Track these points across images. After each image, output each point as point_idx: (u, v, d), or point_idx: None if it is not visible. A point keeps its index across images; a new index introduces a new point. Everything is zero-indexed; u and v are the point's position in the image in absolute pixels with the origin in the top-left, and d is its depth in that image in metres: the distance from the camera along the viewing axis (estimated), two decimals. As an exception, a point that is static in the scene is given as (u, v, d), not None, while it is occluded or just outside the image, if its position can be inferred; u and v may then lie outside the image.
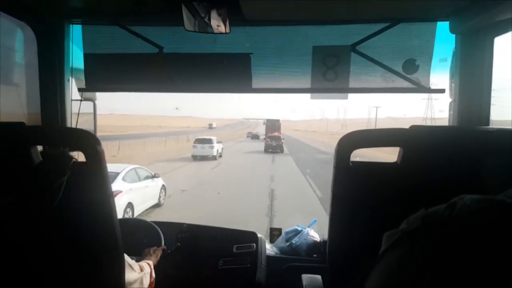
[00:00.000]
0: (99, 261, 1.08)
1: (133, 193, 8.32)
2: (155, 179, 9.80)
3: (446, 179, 0.84)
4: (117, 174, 8.18)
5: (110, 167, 6.30)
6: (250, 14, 1.50)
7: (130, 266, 1.34)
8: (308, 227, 2.06)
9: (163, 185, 10.16)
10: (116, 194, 7.49)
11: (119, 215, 6.06)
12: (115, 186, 7.57)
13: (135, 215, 8.21)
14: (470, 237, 0.41)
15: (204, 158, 21.08)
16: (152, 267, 1.53)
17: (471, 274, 0.39)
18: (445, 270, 0.41)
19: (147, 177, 9.49)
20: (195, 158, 21.12)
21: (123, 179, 8.37)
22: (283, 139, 30.19)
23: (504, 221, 0.39)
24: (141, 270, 1.42)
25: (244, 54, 1.71)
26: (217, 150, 22.13)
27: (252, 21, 1.60)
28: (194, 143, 21.93)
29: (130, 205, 8.19)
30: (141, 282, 1.41)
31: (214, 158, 21.28)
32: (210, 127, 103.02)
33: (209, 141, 21.82)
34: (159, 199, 9.87)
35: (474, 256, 0.40)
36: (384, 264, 0.48)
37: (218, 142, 22.99)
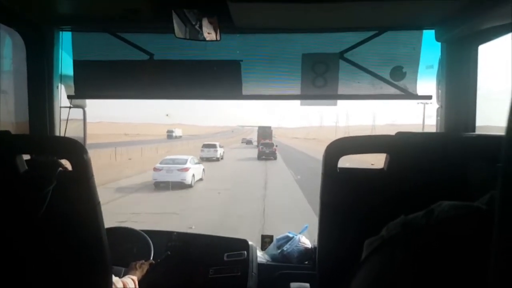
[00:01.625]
0: (85, 271, 1.06)
1: (193, 170, 16.58)
2: (200, 164, 18.23)
3: (432, 185, 0.85)
4: (186, 159, 16.95)
5: (181, 156, 18.30)
6: (240, 22, 1.51)
7: (113, 283, 1.32)
8: (300, 233, 2.06)
9: (203, 169, 18.22)
10: (188, 169, 16.05)
11: (189, 180, 16.09)
12: (187, 165, 16.30)
13: (195, 180, 16.57)
14: (446, 244, 0.42)
15: (209, 159, 26.54)
16: (137, 283, 1.51)
17: (449, 279, 0.40)
18: (424, 275, 0.41)
19: (196, 163, 17.71)
20: (202, 159, 25.28)
21: (189, 161, 16.81)
22: (276, 146, 30.90)
23: (479, 228, 0.40)
24: (124, 287, 1.39)
25: (234, 61, 1.72)
26: (220, 153, 28.20)
27: (242, 28, 1.62)
28: (202, 147, 28.12)
29: (193, 175, 16.36)
30: None
31: (217, 159, 27.24)
32: (170, 136, 62.42)
33: (213, 146, 28.47)
34: (202, 176, 17.79)
35: (451, 262, 0.40)
36: (365, 271, 0.49)
37: (221, 146, 29.70)
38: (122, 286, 1.38)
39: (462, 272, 0.39)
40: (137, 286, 1.49)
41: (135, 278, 1.51)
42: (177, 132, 65.12)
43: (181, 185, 15.36)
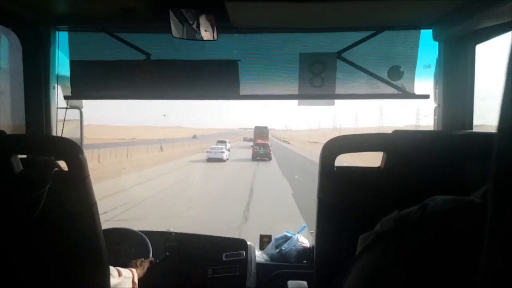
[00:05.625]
0: (82, 272, 1.06)
1: (226, 153, 30.60)
2: (229, 151, 32.71)
3: (429, 183, 0.85)
4: (223, 147, 32.26)
5: (218, 145, 36.67)
6: (237, 21, 1.51)
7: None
8: (298, 233, 2.05)
9: (229, 153, 31.62)
10: (224, 152, 30.39)
11: (225, 158, 32.34)
12: (223, 150, 30.96)
13: (226, 158, 30.20)
14: (440, 237, 0.42)
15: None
16: (135, 274, 1.49)
17: (442, 273, 0.40)
18: (418, 270, 0.42)
19: (227, 150, 31.97)
20: (216, 151, 38.26)
21: (225, 148, 31.60)
22: (271, 146, 32.23)
23: (473, 221, 0.40)
24: (120, 275, 1.38)
25: (231, 60, 1.71)
26: (228, 147, 36.88)
27: (239, 28, 1.61)
28: (216, 143, 38.44)
29: (226, 156, 30.22)
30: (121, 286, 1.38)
31: (228, 150, 35.81)
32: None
33: (224, 142, 38.57)
34: (228, 157, 30.08)
35: (445, 255, 0.40)
36: (359, 266, 0.49)
37: (229, 142, 40.96)
38: (117, 274, 1.35)
39: (455, 265, 0.39)
40: (135, 276, 1.48)
41: (134, 270, 1.50)
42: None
43: (220, 160, 28.48)
